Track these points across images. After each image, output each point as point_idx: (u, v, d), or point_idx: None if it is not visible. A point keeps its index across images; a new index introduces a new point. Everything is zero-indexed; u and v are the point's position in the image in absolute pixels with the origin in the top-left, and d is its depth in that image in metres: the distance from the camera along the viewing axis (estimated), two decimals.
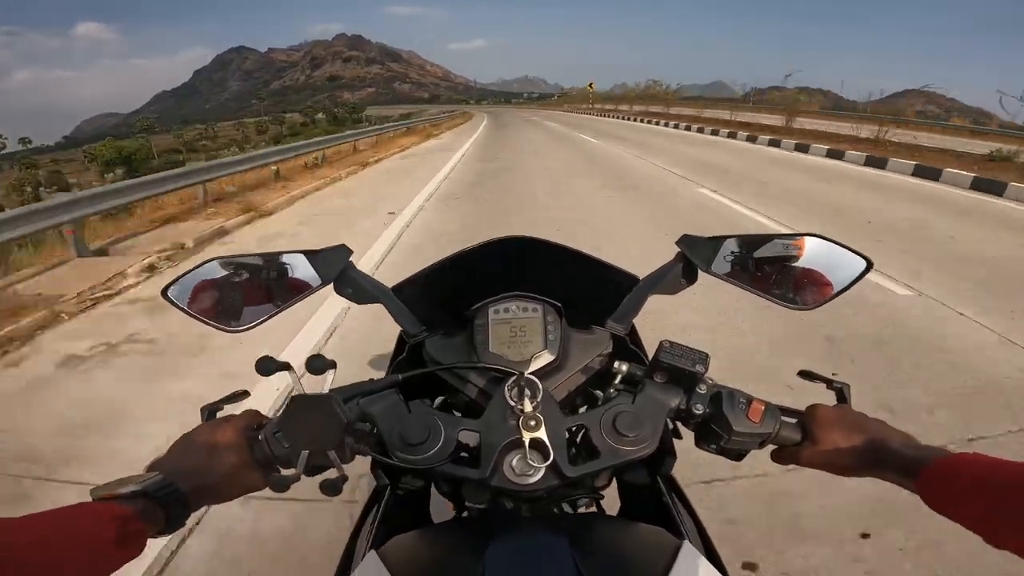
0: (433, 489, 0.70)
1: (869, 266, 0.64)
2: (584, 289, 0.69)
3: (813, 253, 0.66)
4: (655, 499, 0.65)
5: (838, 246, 0.65)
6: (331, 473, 0.48)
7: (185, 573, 1.57)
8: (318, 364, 0.52)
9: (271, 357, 0.51)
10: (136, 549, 0.39)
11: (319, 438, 0.46)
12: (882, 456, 0.50)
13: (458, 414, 0.61)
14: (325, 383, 0.51)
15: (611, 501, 0.71)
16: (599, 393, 0.62)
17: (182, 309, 0.61)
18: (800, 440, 0.56)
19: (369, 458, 0.52)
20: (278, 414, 0.49)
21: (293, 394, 0.48)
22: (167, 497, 0.43)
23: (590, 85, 49.62)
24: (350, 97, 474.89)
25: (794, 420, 0.56)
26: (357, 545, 0.62)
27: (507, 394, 0.53)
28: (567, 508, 0.66)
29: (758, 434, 0.54)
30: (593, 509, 0.69)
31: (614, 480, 0.68)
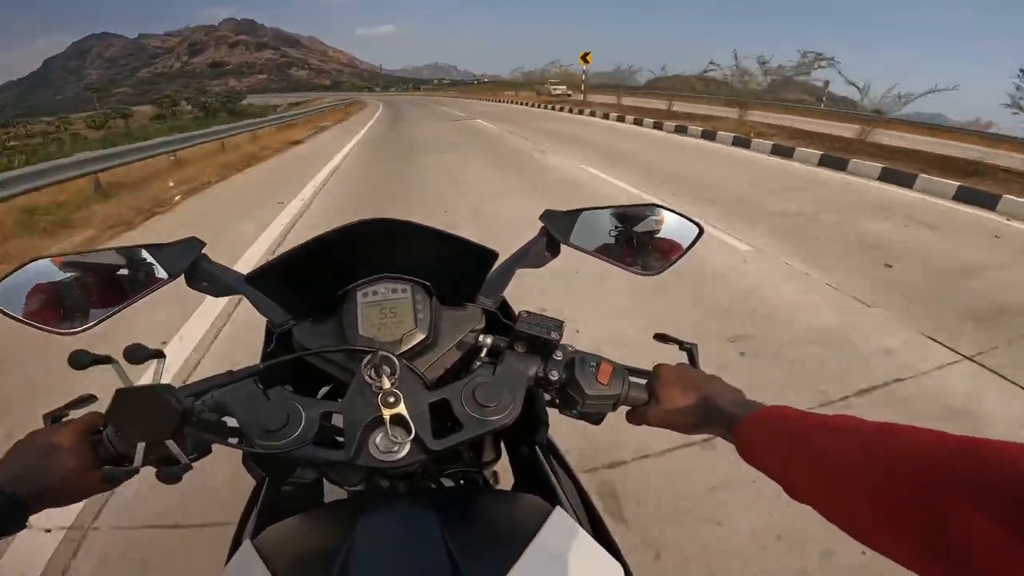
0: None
1: (701, 231, 0.70)
2: (452, 267, 0.66)
3: (655, 221, 0.72)
4: (542, 471, 0.64)
5: (675, 214, 0.71)
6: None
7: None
8: (140, 354, 0.50)
9: (86, 351, 0.49)
10: None
11: (151, 430, 0.43)
12: (710, 413, 0.52)
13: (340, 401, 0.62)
14: (159, 375, 0.50)
15: (506, 475, 0.73)
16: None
17: (7, 315, 0.55)
18: (647, 400, 0.58)
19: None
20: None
21: (118, 388, 0.45)
22: None
23: (584, 58, 25.07)
24: (237, 84, 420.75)
25: (642, 381, 0.59)
26: (242, 537, 0.60)
27: (364, 373, 0.52)
28: (449, 483, 0.67)
29: (609, 396, 0.57)
30: (479, 481, 0.70)
31: (504, 453, 0.71)
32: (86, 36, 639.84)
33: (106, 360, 0.49)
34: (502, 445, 0.72)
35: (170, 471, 0.44)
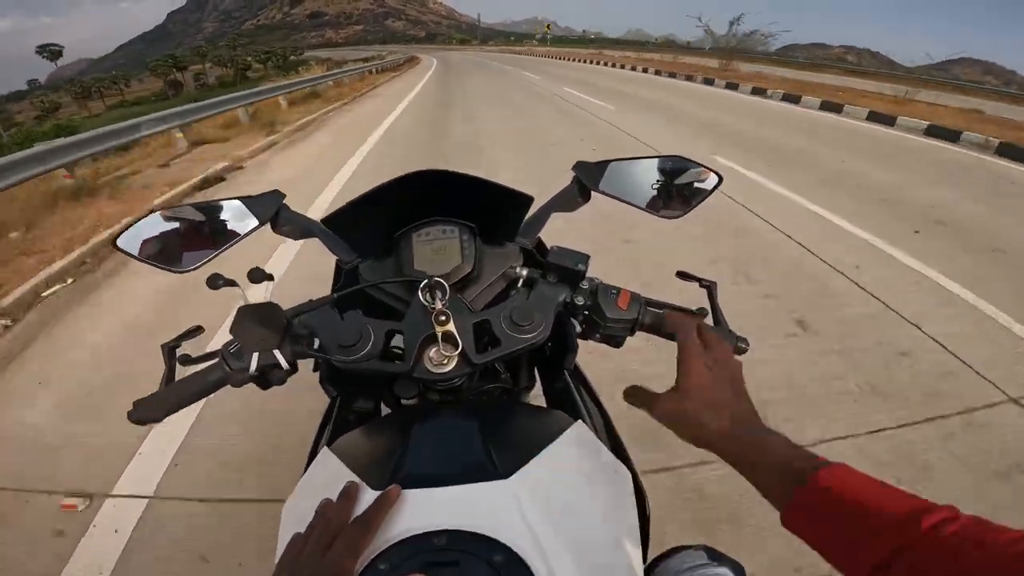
0: (383, 406, 0.80)
1: (720, 180, 0.75)
2: (493, 211, 0.72)
3: (679, 171, 0.77)
4: (570, 394, 0.72)
5: (697, 165, 0.76)
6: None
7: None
8: (257, 275, 0.58)
9: (219, 274, 0.56)
10: None
11: (264, 339, 0.52)
12: (746, 443, 0.44)
13: None
14: (267, 294, 0.57)
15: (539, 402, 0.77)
16: None
17: (132, 256, 0.65)
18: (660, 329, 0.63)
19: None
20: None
21: (240, 305, 0.53)
22: None
23: None
24: (333, 36, 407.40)
25: (660, 311, 0.63)
26: (318, 449, 0.68)
27: (421, 296, 0.58)
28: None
29: (627, 320, 0.62)
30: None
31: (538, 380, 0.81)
32: None
33: (232, 283, 0.56)
34: (536, 373, 0.81)
35: (278, 375, 0.54)
